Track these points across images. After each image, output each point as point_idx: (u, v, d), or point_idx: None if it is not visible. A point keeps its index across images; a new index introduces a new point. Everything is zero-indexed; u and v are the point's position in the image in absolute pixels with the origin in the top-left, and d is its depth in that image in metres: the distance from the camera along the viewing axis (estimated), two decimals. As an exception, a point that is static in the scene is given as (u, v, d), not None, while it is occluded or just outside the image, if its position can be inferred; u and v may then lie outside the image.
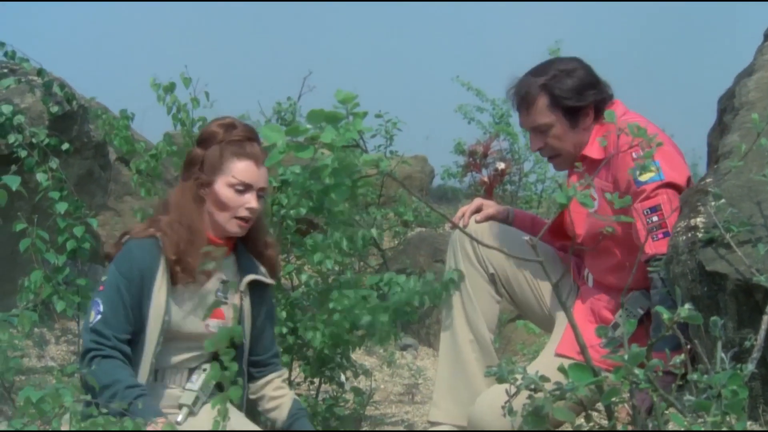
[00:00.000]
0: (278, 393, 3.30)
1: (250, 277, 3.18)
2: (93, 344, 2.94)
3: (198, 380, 3.13)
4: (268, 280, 3.27)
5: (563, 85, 3.57)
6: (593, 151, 3.60)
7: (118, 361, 2.93)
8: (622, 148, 3.35)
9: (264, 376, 3.31)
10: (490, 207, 3.87)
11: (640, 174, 3.36)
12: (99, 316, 2.96)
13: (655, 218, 3.39)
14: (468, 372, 3.78)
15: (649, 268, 3.38)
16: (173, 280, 3.06)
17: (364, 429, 4.43)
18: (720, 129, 4.01)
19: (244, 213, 3.10)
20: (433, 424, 3.85)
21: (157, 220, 3.12)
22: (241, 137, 3.10)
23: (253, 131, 3.18)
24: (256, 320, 3.24)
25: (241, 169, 3.09)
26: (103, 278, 3.04)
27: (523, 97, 3.63)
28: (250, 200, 3.10)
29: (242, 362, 3.17)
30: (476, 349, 3.79)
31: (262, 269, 3.26)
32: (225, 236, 3.15)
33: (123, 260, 3.03)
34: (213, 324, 3.13)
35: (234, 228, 3.12)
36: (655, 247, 3.38)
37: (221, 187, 3.08)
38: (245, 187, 3.09)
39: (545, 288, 3.86)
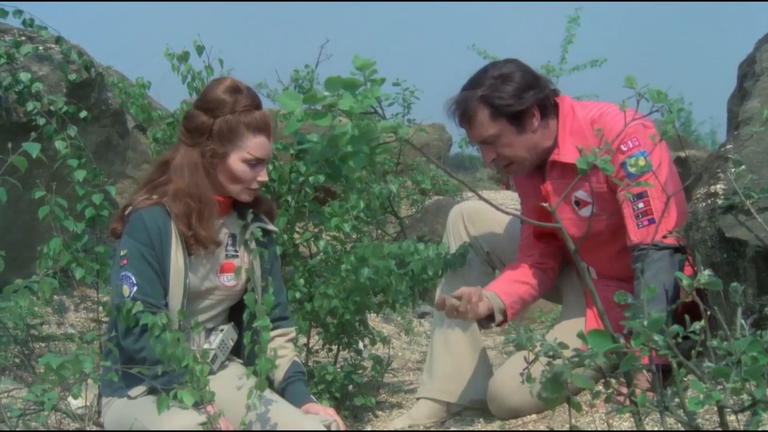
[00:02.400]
0: (279, 353, 3.16)
1: (255, 225, 3.17)
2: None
3: (215, 340, 3.14)
4: (272, 227, 3.26)
5: (501, 93, 3.44)
6: (567, 155, 3.51)
7: None
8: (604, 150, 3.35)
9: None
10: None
11: (632, 166, 3.34)
12: (135, 288, 2.93)
13: (641, 205, 3.38)
14: (454, 351, 3.89)
15: (635, 260, 3.40)
16: (188, 250, 3.05)
17: (379, 397, 4.44)
18: (740, 95, 3.99)
19: (256, 186, 3.11)
20: (420, 399, 3.91)
21: (158, 185, 3.09)
22: (249, 105, 3.07)
23: (257, 95, 3.15)
24: (263, 270, 3.23)
25: (256, 145, 3.06)
26: (122, 252, 2.99)
27: (463, 114, 3.51)
28: (263, 173, 3.10)
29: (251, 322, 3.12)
30: (465, 332, 3.89)
31: (264, 218, 3.25)
32: (228, 196, 3.15)
33: (137, 230, 3.00)
34: (227, 278, 3.15)
35: (245, 197, 3.13)
36: (640, 234, 3.38)
37: (235, 162, 3.06)
38: (258, 162, 3.08)
39: None
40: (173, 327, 2.85)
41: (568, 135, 3.52)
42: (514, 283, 3.71)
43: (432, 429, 3.80)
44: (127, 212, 3.07)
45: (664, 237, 3.36)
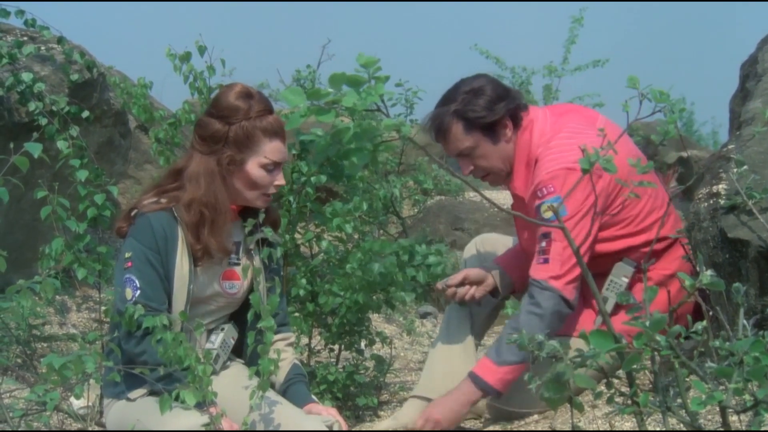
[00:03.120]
0: (279, 356, 3.21)
1: (258, 236, 3.16)
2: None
3: (217, 340, 3.14)
4: (276, 239, 3.26)
5: (474, 106, 3.55)
6: (520, 187, 3.62)
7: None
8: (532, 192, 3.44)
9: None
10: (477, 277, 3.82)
11: (545, 212, 3.39)
12: (138, 292, 2.94)
13: (543, 244, 3.44)
14: (445, 351, 3.89)
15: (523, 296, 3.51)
16: (195, 262, 3.06)
17: (381, 398, 4.44)
18: (742, 95, 4.00)
19: (273, 190, 3.13)
20: (408, 399, 3.92)
21: (168, 191, 3.09)
22: (262, 110, 3.07)
23: (268, 99, 3.16)
24: (266, 279, 3.23)
25: (272, 149, 3.08)
26: (127, 255, 3.00)
27: (438, 129, 3.62)
28: (279, 178, 3.12)
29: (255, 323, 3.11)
30: (460, 334, 3.91)
31: (269, 228, 3.25)
32: (242, 204, 3.16)
33: (144, 233, 3.00)
34: (229, 285, 3.15)
35: (261, 203, 3.14)
36: (534, 271, 3.46)
37: (253, 168, 3.07)
38: (275, 166, 3.10)
39: None
40: (176, 329, 2.85)
41: (524, 167, 3.60)
42: (521, 257, 3.81)
43: (435, 430, 3.79)
44: (133, 213, 3.07)
45: (660, 240, 3.39)
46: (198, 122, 3.17)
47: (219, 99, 3.12)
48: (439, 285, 3.71)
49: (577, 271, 3.38)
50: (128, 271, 2.97)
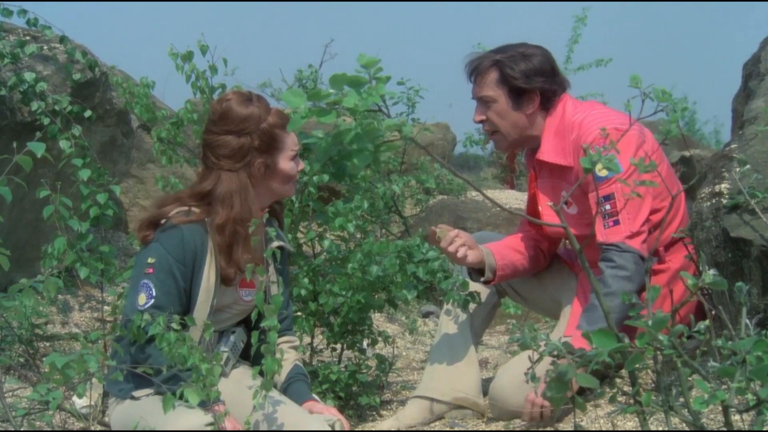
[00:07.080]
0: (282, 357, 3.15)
1: (276, 244, 3.17)
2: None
3: (228, 342, 3.15)
4: (290, 247, 3.29)
5: (515, 65, 3.65)
6: (548, 153, 3.67)
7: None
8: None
9: None
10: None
11: (600, 170, 3.39)
12: (151, 300, 2.93)
13: (607, 206, 3.46)
14: (445, 351, 3.91)
15: (601, 258, 3.48)
16: (224, 281, 3.06)
17: (383, 397, 4.44)
18: (745, 94, 3.99)
19: (298, 175, 3.25)
20: (410, 399, 3.92)
21: (191, 206, 3.06)
22: (266, 107, 3.12)
23: (262, 96, 3.21)
24: (275, 271, 3.24)
25: (292, 140, 3.15)
26: (150, 260, 2.98)
27: (475, 68, 3.73)
28: (300, 161, 3.22)
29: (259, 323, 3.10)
30: (461, 334, 3.92)
31: (282, 235, 3.27)
32: (275, 200, 3.25)
33: (174, 244, 2.99)
34: (245, 293, 3.15)
35: (293, 191, 3.24)
36: (606, 234, 3.47)
37: (285, 164, 3.12)
38: (296, 154, 3.18)
39: (550, 276, 3.99)
40: (195, 337, 2.86)
41: (553, 135, 3.66)
42: (510, 250, 3.86)
43: (436, 429, 3.79)
44: (163, 221, 3.05)
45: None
46: (212, 144, 3.10)
47: (227, 115, 3.08)
48: (433, 228, 3.73)
49: (645, 227, 3.44)
50: (148, 276, 2.96)
